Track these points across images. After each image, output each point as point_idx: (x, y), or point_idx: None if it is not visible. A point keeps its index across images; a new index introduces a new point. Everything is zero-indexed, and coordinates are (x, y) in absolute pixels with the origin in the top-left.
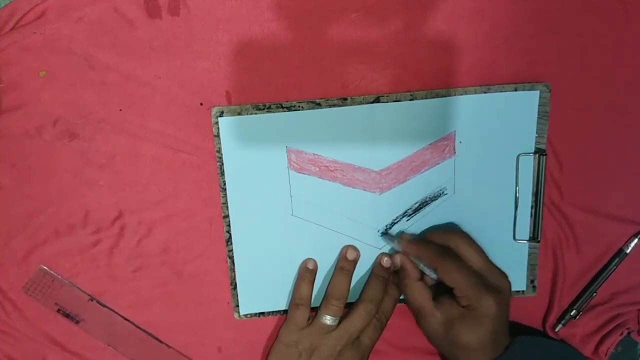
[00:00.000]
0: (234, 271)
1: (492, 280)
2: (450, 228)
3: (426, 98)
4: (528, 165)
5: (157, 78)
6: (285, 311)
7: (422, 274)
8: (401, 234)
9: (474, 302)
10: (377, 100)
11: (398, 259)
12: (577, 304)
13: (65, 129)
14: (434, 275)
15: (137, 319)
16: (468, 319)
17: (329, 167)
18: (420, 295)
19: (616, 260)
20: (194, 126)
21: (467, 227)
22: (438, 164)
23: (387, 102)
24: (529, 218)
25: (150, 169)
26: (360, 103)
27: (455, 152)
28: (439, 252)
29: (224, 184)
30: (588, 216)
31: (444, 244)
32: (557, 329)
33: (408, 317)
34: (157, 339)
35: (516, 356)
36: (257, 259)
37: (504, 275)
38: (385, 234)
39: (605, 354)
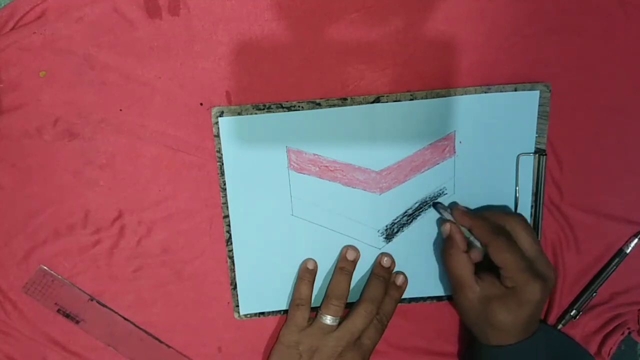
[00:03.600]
0: (234, 271)
1: (541, 267)
2: (509, 210)
3: (426, 98)
4: (528, 165)
5: (157, 78)
6: (285, 311)
7: (469, 247)
8: (454, 204)
9: (520, 285)
10: (377, 100)
11: (448, 227)
12: (577, 304)
13: (65, 129)
14: (482, 249)
15: (137, 319)
16: (509, 300)
17: (329, 167)
18: (464, 266)
19: (616, 260)
20: (194, 126)
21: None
22: (438, 164)
23: (387, 102)
24: (529, 218)
25: (150, 169)
26: (360, 103)
27: (455, 152)
28: (493, 229)
29: (224, 184)
30: (588, 216)
31: (499, 223)
32: (557, 329)
33: (408, 318)
34: (157, 339)
35: (538, 342)
36: (257, 259)
37: (552, 266)
38: (437, 203)
39: (608, 354)
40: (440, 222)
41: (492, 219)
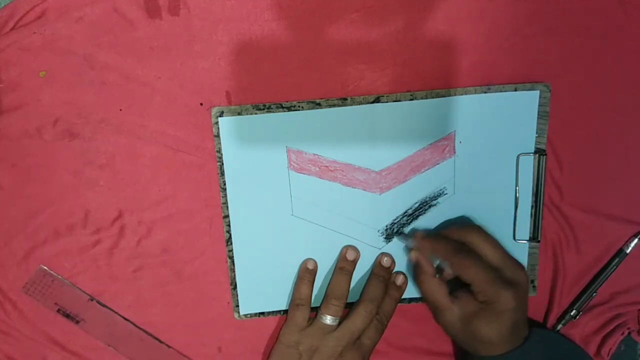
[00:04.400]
0: (234, 271)
1: (509, 274)
2: (466, 223)
3: (426, 98)
4: (528, 165)
5: (157, 78)
6: (285, 311)
7: (439, 269)
8: (415, 231)
9: (492, 298)
10: (377, 100)
11: (414, 255)
12: (577, 304)
13: (65, 129)
14: (450, 271)
15: (137, 319)
16: (486, 314)
17: (329, 167)
18: (436, 291)
19: (616, 260)
20: (194, 126)
21: None
22: (438, 164)
23: (387, 102)
24: (529, 218)
25: (150, 169)
26: (360, 103)
27: (455, 152)
28: (454, 248)
29: (224, 184)
30: (588, 216)
31: (459, 239)
32: (557, 329)
33: (408, 318)
34: (157, 339)
35: (534, 347)
36: (257, 259)
37: (521, 267)
38: (399, 233)
39: (608, 354)
40: (409, 250)
41: (452, 236)
